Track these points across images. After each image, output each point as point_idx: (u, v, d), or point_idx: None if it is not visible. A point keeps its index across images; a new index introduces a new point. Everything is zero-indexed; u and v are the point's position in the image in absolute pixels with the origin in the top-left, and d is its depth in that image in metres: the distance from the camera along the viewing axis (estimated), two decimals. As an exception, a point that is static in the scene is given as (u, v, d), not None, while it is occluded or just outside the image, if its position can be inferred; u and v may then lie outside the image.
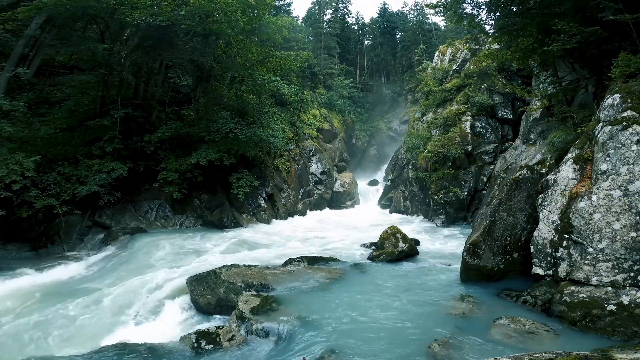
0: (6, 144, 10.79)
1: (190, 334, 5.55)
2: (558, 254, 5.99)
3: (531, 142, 13.68)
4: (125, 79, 14.83)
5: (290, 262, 8.91)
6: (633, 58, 6.56)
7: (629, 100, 5.98)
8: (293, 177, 19.80)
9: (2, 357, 5.59)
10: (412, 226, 15.73)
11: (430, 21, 43.60)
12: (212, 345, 5.30)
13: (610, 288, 5.28)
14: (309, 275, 7.88)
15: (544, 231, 6.30)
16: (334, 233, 14.39)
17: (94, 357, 5.11)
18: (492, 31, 11.86)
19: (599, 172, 5.85)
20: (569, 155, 6.82)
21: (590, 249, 5.58)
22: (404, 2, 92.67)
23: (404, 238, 10.06)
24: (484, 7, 10.87)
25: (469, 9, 11.22)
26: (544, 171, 7.84)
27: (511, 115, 17.57)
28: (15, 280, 8.52)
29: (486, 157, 16.69)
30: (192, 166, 13.60)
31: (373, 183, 27.60)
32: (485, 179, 16.19)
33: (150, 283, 7.95)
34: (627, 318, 4.94)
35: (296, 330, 5.42)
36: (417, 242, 11.05)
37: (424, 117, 20.63)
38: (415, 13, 46.24)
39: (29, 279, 8.71)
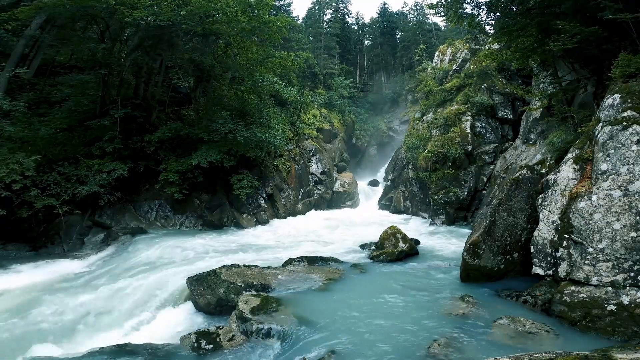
0: (6, 144, 10.81)
1: (190, 334, 5.54)
2: (558, 254, 5.99)
3: (531, 142, 13.68)
4: (125, 79, 14.84)
5: (290, 262, 8.91)
6: (633, 58, 6.55)
7: (629, 100, 5.98)
8: (293, 177, 19.79)
9: (1, 357, 5.59)
10: (412, 226, 15.73)
11: (430, 21, 43.64)
12: (212, 346, 5.30)
13: (610, 288, 5.28)
14: (309, 275, 7.87)
15: (544, 231, 6.30)
16: (334, 233, 14.39)
17: (93, 358, 5.11)
18: (492, 31, 11.87)
19: (599, 172, 5.85)
20: (569, 155, 6.82)
21: (590, 249, 5.58)
22: (404, 2, 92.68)
23: (404, 238, 10.05)
24: (484, 7, 10.86)
25: (469, 9, 11.21)
26: (544, 171, 7.84)
27: (511, 115, 17.57)
28: (15, 280, 8.52)
29: (486, 157, 16.68)
30: (193, 166, 13.61)
31: (373, 183, 27.59)
32: (485, 179, 16.18)
33: (150, 283, 7.95)
34: (627, 318, 4.94)
35: (296, 331, 5.42)
36: (417, 242, 11.04)
37: (424, 117, 20.62)
38: (415, 13, 46.30)
39: (28, 279, 8.71)
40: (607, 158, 5.79)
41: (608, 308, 5.11)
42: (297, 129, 22.31)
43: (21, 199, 10.69)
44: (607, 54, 7.72)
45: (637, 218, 5.27)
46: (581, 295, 5.44)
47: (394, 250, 9.59)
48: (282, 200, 18.25)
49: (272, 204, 17.37)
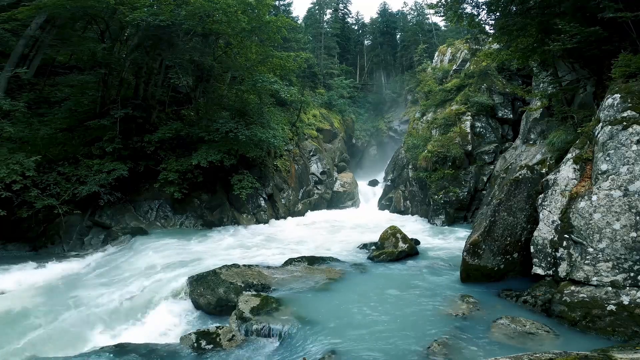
0: (6, 144, 10.80)
1: (190, 334, 5.55)
2: (558, 254, 5.99)
3: (531, 142, 13.68)
4: (125, 79, 14.84)
5: (290, 262, 8.92)
6: (633, 58, 6.55)
7: (629, 100, 5.98)
8: (293, 177, 19.79)
9: (1, 357, 5.59)
10: (412, 226, 15.72)
11: (430, 21, 43.60)
12: (212, 345, 5.30)
13: (610, 288, 5.28)
14: (309, 275, 7.88)
15: (544, 231, 6.30)
16: (334, 233, 14.38)
17: (93, 358, 5.11)
18: (492, 31, 11.86)
19: (599, 172, 5.85)
20: (569, 155, 6.82)
21: (590, 249, 5.58)
22: (404, 2, 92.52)
23: (404, 238, 10.06)
24: (484, 7, 10.86)
25: (469, 9, 11.21)
26: (544, 171, 7.84)
27: (511, 115, 17.58)
28: (15, 280, 8.52)
29: (486, 157, 16.69)
30: (193, 166, 13.61)
31: (373, 183, 27.57)
32: (485, 179, 16.19)
33: (150, 283, 7.95)
34: (627, 318, 4.94)
35: (296, 330, 5.42)
36: (417, 242, 11.05)
37: (424, 117, 20.63)
38: (415, 13, 46.23)
39: (28, 279, 8.70)
40: (607, 158, 5.79)
41: (608, 308, 5.11)
42: (297, 129, 22.29)
43: (21, 199, 10.69)
44: (607, 54, 7.71)
45: (637, 218, 5.28)
46: (581, 295, 5.44)
47: (394, 250, 9.59)
48: (282, 200, 18.25)
49: (272, 204, 17.37)
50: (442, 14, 11.69)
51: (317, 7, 42.44)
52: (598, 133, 6.20)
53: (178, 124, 14.65)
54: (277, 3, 33.41)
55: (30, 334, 6.12)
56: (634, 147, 5.56)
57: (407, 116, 30.21)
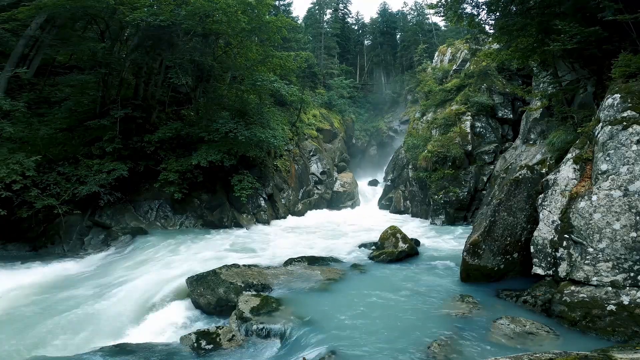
0: (6, 144, 10.80)
1: (190, 334, 5.55)
2: (558, 254, 5.99)
3: (531, 142, 13.69)
4: (125, 78, 14.84)
5: (290, 262, 8.91)
6: (633, 58, 6.55)
7: (629, 100, 5.98)
8: (293, 177, 19.79)
9: (1, 357, 5.59)
10: (412, 226, 15.73)
11: (430, 21, 43.63)
12: (212, 345, 5.30)
13: (610, 288, 5.28)
14: (309, 275, 7.88)
15: (544, 231, 6.30)
16: (333, 233, 14.38)
17: (93, 358, 5.10)
18: (492, 31, 11.86)
19: (599, 172, 5.85)
20: (569, 155, 6.82)
21: (590, 249, 5.58)
22: (404, 2, 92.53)
23: (404, 238, 10.06)
24: (484, 7, 10.86)
25: (469, 9, 11.21)
26: (544, 171, 7.85)
27: (511, 115, 17.59)
28: (14, 281, 8.51)
29: (486, 157, 16.70)
30: (193, 166, 13.62)
31: (373, 183, 27.60)
32: (485, 179, 16.19)
33: (150, 283, 7.95)
34: (627, 318, 4.94)
35: (296, 331, 5.42)
36: (417, 242, 11.04)
37: (424, 117, 20.64)
38: (415, 13, 46.26)
39: (28, 279, 8.70)
40: (607, 158, 5.79)
41: (608, 308, 5.11)
42: (297, 129, 22.30)
43: (21, 199, 10.69)
44: (607, 54, 7.72)
45: (637, 218, 5.28)
46: (581, 295, 5.44)
47: (394, 251, 9.59)
48: (282, 200, 18.25)
49: (272, 204, 17.37)
50: (442, 14, 11.69)
51: (317, 7, 42.46)
52: (598, 133, 6.20)
53: (178, 124, 14.65)
54: (277, 3, 33.43)
55: (30, 334, 6.12)
56: (634, 147, 5.56)
57: (407, 116, 30.22)
